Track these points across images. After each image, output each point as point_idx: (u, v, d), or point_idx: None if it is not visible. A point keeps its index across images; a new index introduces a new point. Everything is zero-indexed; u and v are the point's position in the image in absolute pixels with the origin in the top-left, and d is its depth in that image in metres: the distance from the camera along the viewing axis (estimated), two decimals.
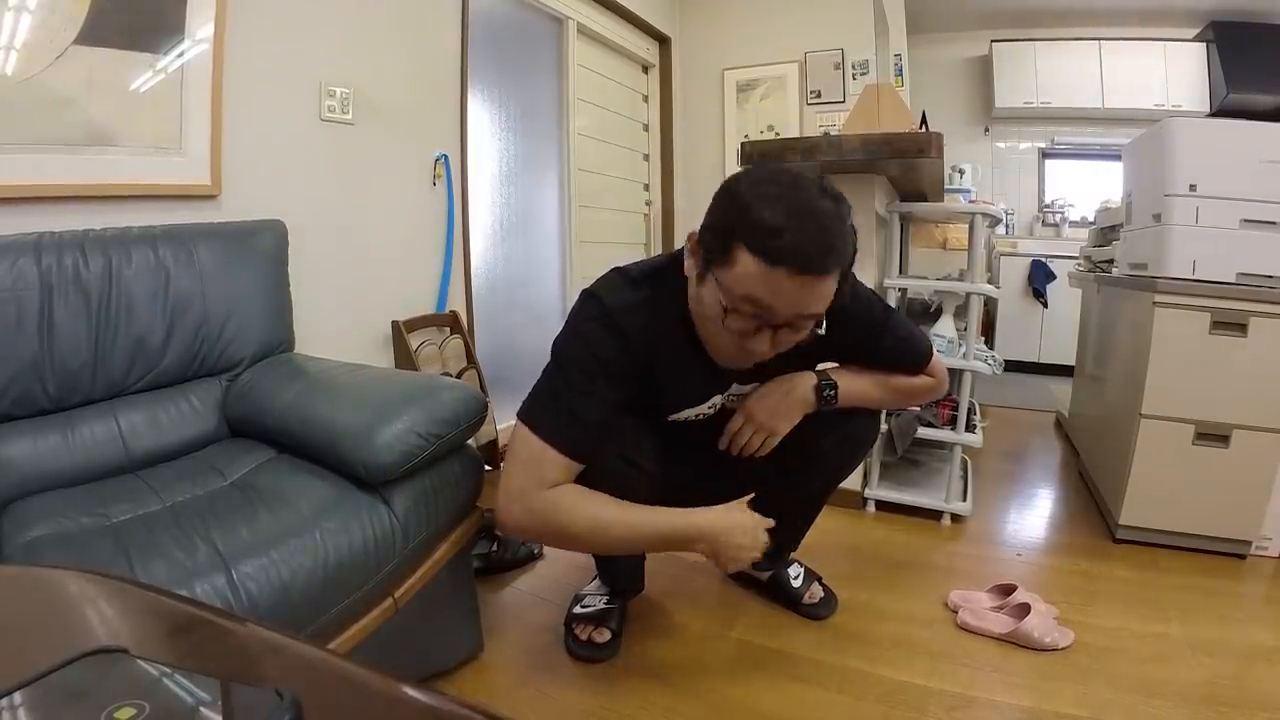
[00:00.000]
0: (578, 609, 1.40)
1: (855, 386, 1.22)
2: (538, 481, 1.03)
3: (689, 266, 1.01)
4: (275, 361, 1.47)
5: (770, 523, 1.12)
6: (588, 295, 1.07)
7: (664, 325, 1.06)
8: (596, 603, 1.40)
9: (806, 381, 1.19)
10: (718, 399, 1.20)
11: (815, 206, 0.89)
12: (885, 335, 1.21)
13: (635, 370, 1.06)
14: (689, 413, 1.20)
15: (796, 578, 1.51)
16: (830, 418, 1.22)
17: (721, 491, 1.19)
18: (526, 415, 1.06)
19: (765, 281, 0.89)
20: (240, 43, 1.60)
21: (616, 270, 1.11)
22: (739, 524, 1.08)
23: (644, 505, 1.07)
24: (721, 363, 1.07)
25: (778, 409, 1.18)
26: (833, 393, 1.19)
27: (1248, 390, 1.68)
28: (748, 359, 1.02)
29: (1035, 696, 1.23)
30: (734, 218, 0.91)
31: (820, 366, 1.25)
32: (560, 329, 1.09)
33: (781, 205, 0.88)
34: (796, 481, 1.34)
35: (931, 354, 1.26)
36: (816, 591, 1.51)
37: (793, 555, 1.56)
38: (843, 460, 1.36)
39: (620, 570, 1.44)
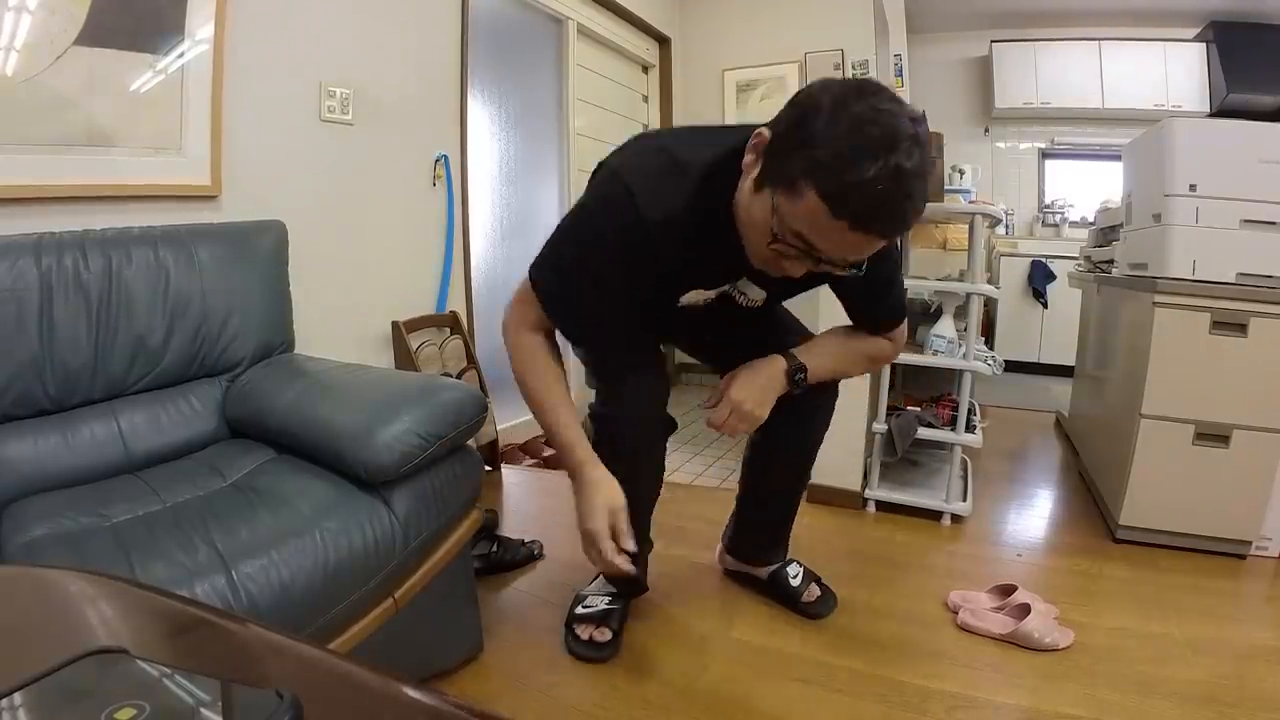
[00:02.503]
0: (579, 609, 1.40)
1: (822, 364, 1.25)
2: (522, 320, 1.14)
3: (748, 163, 0.95)
4: (275, 362, 1.47)
5: (621, 508, 1.11)
6: (614, 180, 1.00)
7: (700, 219, 1.01)
8: (598, 603, 1.40)
9: (778, 366, 1.21)
10: (726, 287, 1.20)
11: (903, 169, 0.79)
12: (894, 289, 1.24)
13: (651, 262, 1.04)
14: (692, 297, 1.21)
15: (795, 576, 1.52)
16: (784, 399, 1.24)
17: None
18: (535, 271, 1.12)
19: (823, 228, 0.85)
20: (240, 43, 1.60)
21: (661, 149, 1.03)
22: (593, 505, 1.10)
23: (562, 411, 1.14)
24: (755, 263, 1.02)
25: (762, 397, 1.19)
26: (803, 375, 1.22)
27: (1248, 390, 1.68)
28: (780, 272, 0.99)
29: (1035, 696, 1.23)
30: (812, 150, 0.82)
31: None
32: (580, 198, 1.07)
33: (868, 161, 0.79)
34: (773, 464, 1.43)
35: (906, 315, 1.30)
36: (815, 591, 1.51)
37: (791, 555, 1.56)
38: (807, 435, 1.41)
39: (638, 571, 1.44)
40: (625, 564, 1.09)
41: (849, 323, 1.31)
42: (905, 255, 2.52)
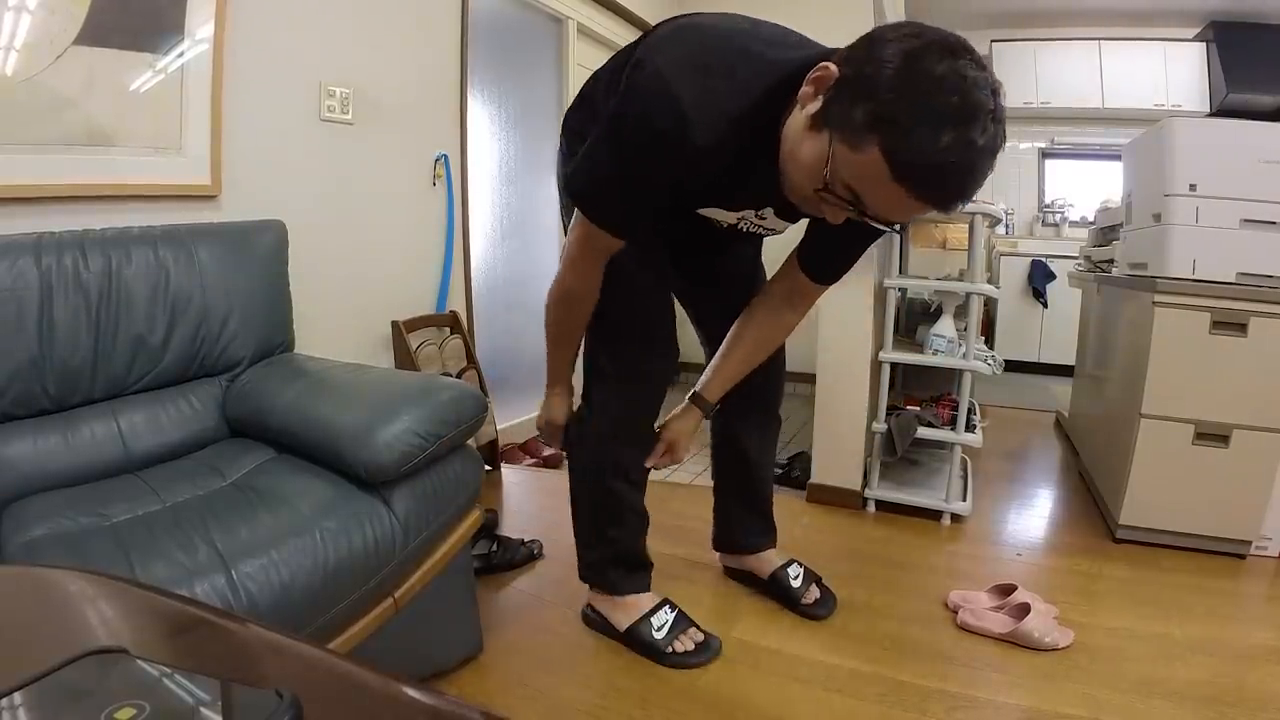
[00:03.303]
0: (658, 634, 1.34)
1: (725, 386, 1.34)
2: (574, 266, 1.18)
3: (805, 95, 0.86)
4: (275, 361, 1.47)
5: (559, 425, 1.37)
6: (660, 85, 0.89)
7: (745, 142, 0.94)
8: (666, 617, 1.37)
9: (695, 417, 1.36)
10: (749, 213, 1.16)
11: (975, 145, 0.74)
12: (865, 249, 1.24)
13: (689, 172, 0.99)
14: (714, 213, 1.18)
15: (796, 578, 1.52)
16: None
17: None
18: (576, 182, 1.07)
19: (879, 187, 0.79)
20: (240, 43, 1.59)
21: (713, 50, 0.92)
22: (550, 407, 1.38)
23: (563, 357, 1.32)
24: (791, 198, 0.98)
25: (692, 440, 1.39)
26: (713, 409, 1.36)
27: (1248, 390, 1.68)
28: (817, 213, 0.95)
29: (1035, 696, 1.23)
30: (884, 103, 0.75)
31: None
32: (623, 98, 0.95)
33: (944, 129, 0.73)
34: (742, 431, 1.52)
35: None
36: (815, 592, 1.51)
37: (792, 556, 1.56)
38: (767, 393, 1.50)
39: (647, 566, 1.45)
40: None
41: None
42: (905, 255, 2.52)
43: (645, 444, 1.36)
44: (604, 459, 1.35)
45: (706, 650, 1.34)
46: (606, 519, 1.39)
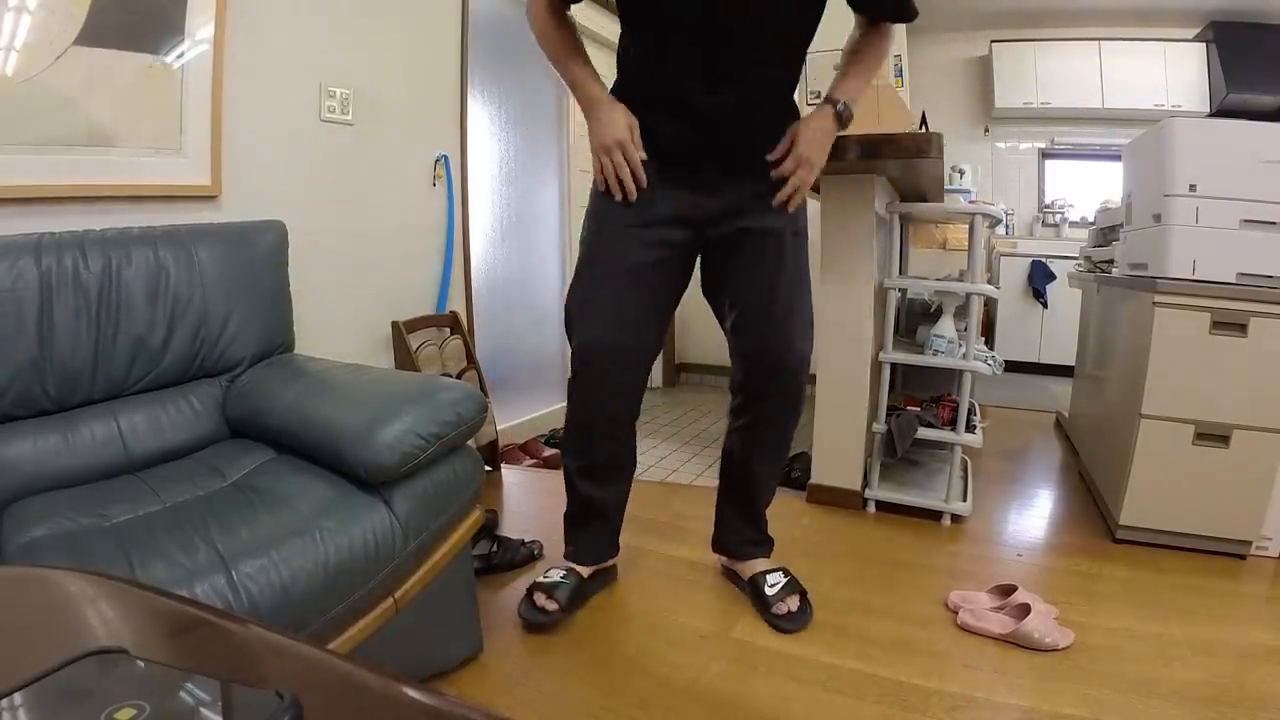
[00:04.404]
0: (539, 578, 1.47)
1: (856, 88, 1.31)
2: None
3: None
4: (275, 362, 1.47)
5: (636, 125, 1.24)
6: None
7: None
8: (554, 575, 1.47)
9: (826, 113, 1.27)
10: None
11: None
12: None
13: None
14: None
15: (773, 585, 1.48)
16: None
17: None
18: None
19: None
20: (240, 43, 1.60)
21: None
22: (613, 121, 1.23)
23: (574, 58, 1.27)
24: None
25: (825, 142, 1.28)
26: (846, 107, 1.29)
27: (1248, 390, 1.68)
28: None
29: (1035, 696, 1.23)
30: None
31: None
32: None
33: None
34: (750, 448, 1.50)
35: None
36: (792, 603, 1.46)
37: (784, 566, 1.54)
38: (778, 418, 1.47)
39: (587, 543, 1.51)
40: (640, 174, 1.24)
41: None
42: (905, 256, 2.52)
43: (621, 439, 1.43)
44: (567, 449, 1.45)
45: (538, 614, 1.40)
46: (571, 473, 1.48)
